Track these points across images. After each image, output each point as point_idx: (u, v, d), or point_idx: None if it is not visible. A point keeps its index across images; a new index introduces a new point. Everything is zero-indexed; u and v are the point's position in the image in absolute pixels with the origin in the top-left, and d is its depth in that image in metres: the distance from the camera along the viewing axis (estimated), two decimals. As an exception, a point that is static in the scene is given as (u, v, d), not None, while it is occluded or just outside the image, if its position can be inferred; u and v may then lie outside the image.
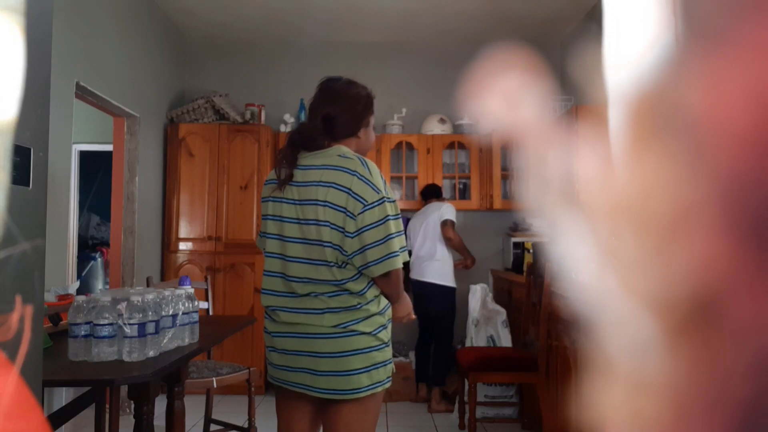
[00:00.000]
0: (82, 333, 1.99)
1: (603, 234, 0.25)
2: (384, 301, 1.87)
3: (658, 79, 0.23)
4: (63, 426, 3.12)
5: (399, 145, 4.95)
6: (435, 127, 4.99)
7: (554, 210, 0.27)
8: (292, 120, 4.99)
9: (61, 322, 2.43)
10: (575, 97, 4.35)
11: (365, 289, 1.81)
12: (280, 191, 1.84)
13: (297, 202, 1.81)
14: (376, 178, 1.79)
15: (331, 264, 1.78)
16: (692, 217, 0.21)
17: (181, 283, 2.83)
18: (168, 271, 4.70)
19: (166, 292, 2.22)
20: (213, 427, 3.36)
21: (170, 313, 2.17)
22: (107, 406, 2.88)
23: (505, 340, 4.04)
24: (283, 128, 4.96)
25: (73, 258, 5.43)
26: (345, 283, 1.78)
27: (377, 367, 1.81)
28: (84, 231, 6.97)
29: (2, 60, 0.40)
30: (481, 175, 4.95)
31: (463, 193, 5.07)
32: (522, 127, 0.28)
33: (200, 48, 5.28)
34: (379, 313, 1.84)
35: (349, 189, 1.76)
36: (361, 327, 1.79)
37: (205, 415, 3.35)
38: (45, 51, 1.48)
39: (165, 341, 2.11)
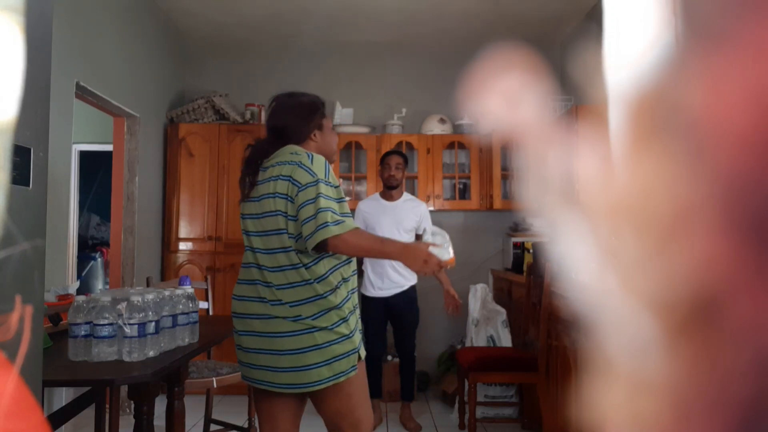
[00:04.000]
0: (82, 333, 1.99)
1: (603, 234, 0.25)
2: (342, 294, 1.95)
3: (658, 79, 0.23)
4: (63, 426, 3.12)
5: (399, 145, 4.95)
6: (435, 127, 4.99)
7: (554, 210, 0.27)
8: (292, 120, 4.98)
9: (61, 322, 2.43)
10: (575, 97, 4.35)
11: (316, 281, 1.91)
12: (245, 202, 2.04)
13: (256, 199, 1.98)
14: (316, 166, 1.92)
15: (286, 249, 1.92)
16: (692, 217, 0.21)
17: (181, 283, 2.83)
18: (168, 271, 4.70)
19: (166, 292, 2.22)
20: (213, 427, 3.36)
21: (170, 313, 2.17)
22: (107, 406, 2.87)
23: (505, 340, 4.04)
24: (283, 128, 4.95)
25: (73, 258, 5.43)
26: (299, 268, 1.91)
27: (338, 359, 1.91)
28: (84, 231, 6.97)
29: (2, 60, 0.40)
30: (481, 175, 4.95)
31: (463, 193, 5.07)
32: (522, 127, 0.28)
33: (200, 48, 5.28)
34: (337, 307, 1.92)
35: (290, 176, 1.92)
36: (318, 322, 1.89)
37: (205, 415, 3.35)
38: (45, 51, 1.48)
39: (165, 341, 2.11)
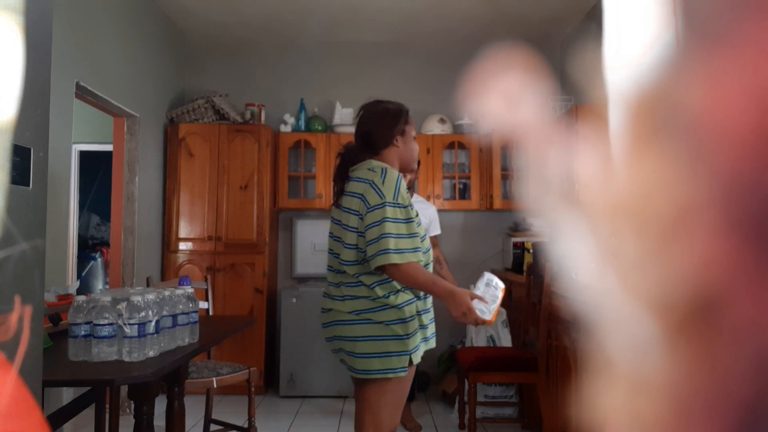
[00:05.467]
0: (82, 333, 1.99)
1: (603, 234, 0.25)
2: (404, 297, 2.06)
3: (658, 79, 0.23)
4: (63, 426, 3.12)
5: (399, 145, 4.95)
6: (435, 127, 4.99)
7: (554, 210, 0.27)
8: (292, 120, 4.98)
9: (61, 322, 2.43)
10: (575, 97, 4.35)
11: (376, 284, 2.05)
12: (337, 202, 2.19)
13: (344, 208, 2.14)
14: (387, 186, 2.05)
15: (352, 262, 2.08)
16: (692, 217, 0.21)
17: (181, 283, 2.83)
18: (168, 271, 4.70)
19: (166, 292, 2.22)
20: (213, 427, 3.36)
21: (170, 313, 2.17)
22: (107, 406, 2.88)
23: (505, 340, 4.04)
24: (283, 128, 4.95)
25: (73, 258, 5.43)
26: (359, 276, 2.07)
27: (390, 356, 2.02)
28: (84, 231, 6.97)
29: (2, 60, 0.40)
30: (481, 175, 4.95)
31: (463, 193, 5.07)
32: (522, 127, 0.28)
33: (200, 48, 5.28)
34: (397, 307, 2.05)
35: (362, 195, 2.07)
36: (374, 316, 2.03)
37: (205, 415, 3.35)
38: (45, 51, 1.48)
39: (165, 341, 2.11)
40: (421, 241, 2.10)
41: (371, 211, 2.02)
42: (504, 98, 0.28)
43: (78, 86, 3.43)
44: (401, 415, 3.87)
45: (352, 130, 4.85)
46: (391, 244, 1.97)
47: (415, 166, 2.33)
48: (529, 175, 0.27)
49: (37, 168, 1.43)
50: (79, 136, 4.90)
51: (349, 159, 2.18)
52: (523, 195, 0.28)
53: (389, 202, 2.02)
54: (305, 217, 5.07)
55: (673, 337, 0.22)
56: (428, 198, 4.86)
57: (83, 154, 5.74)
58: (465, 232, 5.21)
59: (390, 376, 2.03)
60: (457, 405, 3.91)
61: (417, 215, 2.11)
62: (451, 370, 4.54)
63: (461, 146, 4.97)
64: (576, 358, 2.89)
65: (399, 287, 2.06)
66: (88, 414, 2.99)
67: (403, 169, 2.23)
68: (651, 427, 0.23)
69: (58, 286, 2.80)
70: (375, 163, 2.13)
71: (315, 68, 5.27)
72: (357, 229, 2.06)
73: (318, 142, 4.91)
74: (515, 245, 4.59)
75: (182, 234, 4.73)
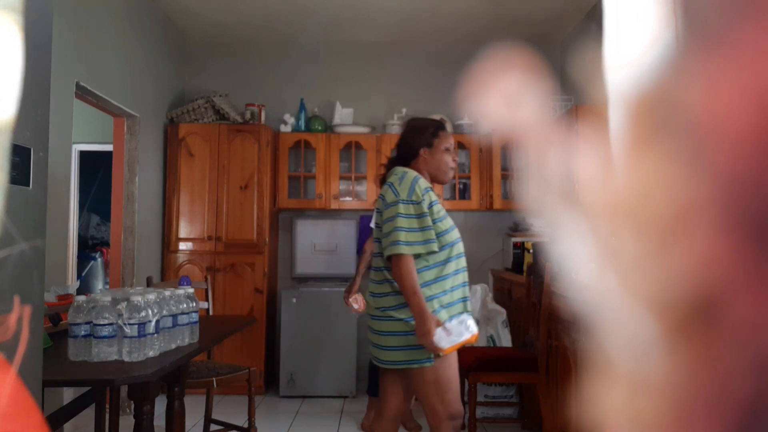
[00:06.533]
0: (82, 333, 1.99)
1: (603, 234, 0.25)
2: (427, 292, 2.21)
3: (658, 79, 0.23)
4: (63, 426, 3.12)
5: (399, 145, 4.95)
6: (435, 127, 4.99)
7: (554, 210, 0.27)
8: (292, 120, 4.98)
9: (61, 322, 2.43)
10: (575, 97, 4.35)
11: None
12: None
13: (376, 210, 2.41)
14: (402, 186, 2.26)
15: (377, 254, 2.35)
16: (692, 217, 0.21)
17: (181, 283, 2.83)
18: (168, 271, 4.70)
19: (166, 292, 2.22)
20: (213, 427, 3.36)
21: (170, 313, 2.17)
22: (107, 406, 2.88)
23: (505, 340, 4.04)
24: (283, 128, 4.95)
25: (73, 258, 5.43)
26: (384, 270, 2.29)
27: (414, 348, 2.20)
28: (84, 231, 6.97)
29: (2, 60, 0.40)
30: (481, 175, 4.95)
31: (463, 193, 5.07)
32: (522, 127, 0.28)
33: (200, 48, 5.28)
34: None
35: (383, 195, 2.33)
36: (396, 313, 2.23)
37: (205, 415, 3.35)
38: (45, 51, 1.48)
39: (165, 341, 2.11)
40: (446, 233, 2.26)
41: (387, 207, 2.26)
42: (504, 98, 0.28)
43: (78, 86, 3.43)
44: (403, 415, 3.90)
45: (352, 130, 4.90)
46: (402, 236, 2.18)
47: (447, 176, 2.40)
48: (529, 175, 0.27)
49: (37, 168, 1.43)
50: (79, 136, 4.90)
51: (387, 168, 2.44)
52: (523, 195, 0.28)
53: (402, 200, 2.23)
54: (305, 217, 5.07)
55: (673, 337, 0.22)
56: (428, 198, 4.88)
57: (83, 154, 5.74)
58: (465, 232, 5.18)
59: (415, 366, 2.22)
60: (457, 405, 3.90)
61: (441, 211, 2.28)
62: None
63: (461, 146, 4.97)
64: (576, 358, 2.89)
65: (422, 281, 2.22)
66: (88, 414, 2.99)
67: (434, 179, 2.40)
68: (651, 427, 0.23)
69: (58, 286, 2.80)
70: (400, 169, 2.35)
71: (315, 68, 5.27)
72: (379, 225, 2.33)
73: (318, 142, 4.91)
74: (515, 245, 4.59)
75: (182, 234, 4.73)
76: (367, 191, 4.95)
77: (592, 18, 4.52)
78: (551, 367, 3.28)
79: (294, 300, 4.57)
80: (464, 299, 2.30)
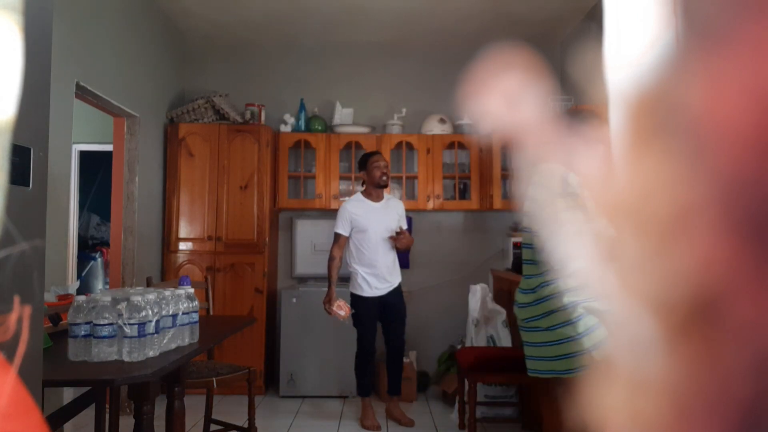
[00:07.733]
0: (82, 333, 1.99)
1: (603, 234, 0.25)
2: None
3: (658, 79, 0.23)
4: (63, 426, 3.12)
5: (399, 145, 4.95)
6: (435, 127, 4.99)
7: (554, 210, 0.27)
8: (292, 120, 4.98)
9: (61, 322, 2.42)
10: (575, 97, 4.35)
11: None
12: None
13: None
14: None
15: None
16: (692, 217, 0.21)
17: (181, 283, 2.83)
18: (168, 271, 4.70)
19: (166, 292, 2.22)
20: (213, 427, 3.36)
21: (170, 313, 2.17)
22: (107, 406, 2.87)
23: (505, 340, 4.04)
24: (283, 128, 4.95)
25: (73, 258, 5.43)
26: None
27: (568, 357, 2.56)
28: (84, 231, 6.96)
29: (2, 60, 0.40)
30: (481, 175, 4.94)
31: (463, 193, 5.07)
32: (522, 126, 0.28)
33: (200, 48, 5.28)
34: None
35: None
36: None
37: (205, 415, 3.34)
38: (45, 51, 1.48)
39: (165, 341, 2.11)
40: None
41: None
42: (504, 98, 0.28)
43: (78, 86, 3.43)
44: (391, 411, 4.03)
45: (352, 130, 4.91)
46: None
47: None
48: (528, 175, 0.27)
49: (36, 168, 1.43)
50: (79, 136, 4.90)
51: None
52: (523, 195, 0.28)
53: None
54: (305, 217, 5.07)
55: (673, 337, 0.22)
56: (428, 198, 4.89)
57: (83, 154, 5.73)
58: (465, 232, 5.21)
59: (565, 376, 2.62)
60: (457, 405, 3.91)
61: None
62: (451, 370, 4.53)
63: (461, 146, 4.97)
64: (576, 358, 2.88)
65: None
66: (88, 414, 2.99)
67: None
68: (651, 427, 0.23)
69: (58, 286, 2.80)
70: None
71: (315, 68, 5.27)
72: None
73: (318, 142, 4.90)
74: (515, 245, 4.59)
75: (182, 234, 4.72)
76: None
77: (592, 18, 4.52)
78: (551, 367, 3.27)
79: (294, 300, 4.57)
80: None
